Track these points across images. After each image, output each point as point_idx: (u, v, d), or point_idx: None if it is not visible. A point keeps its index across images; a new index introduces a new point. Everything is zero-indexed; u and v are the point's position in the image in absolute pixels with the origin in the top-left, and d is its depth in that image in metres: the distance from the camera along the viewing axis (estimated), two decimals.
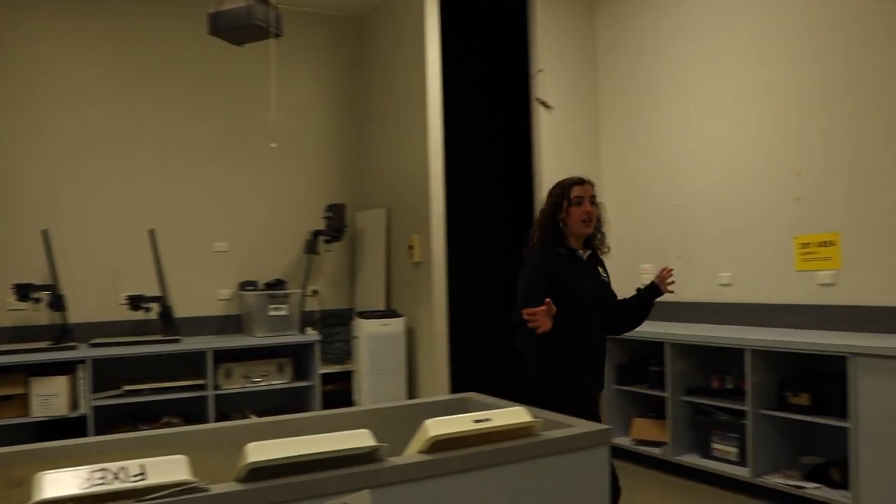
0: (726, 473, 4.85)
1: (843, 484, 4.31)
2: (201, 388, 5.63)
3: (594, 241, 3.32)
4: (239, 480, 1.75)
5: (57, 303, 5.50)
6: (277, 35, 4.52)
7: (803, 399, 4.52)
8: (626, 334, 5.43)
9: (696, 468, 5.05)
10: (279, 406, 6.09)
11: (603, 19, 6.54)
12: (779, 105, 5.21)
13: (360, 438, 1.90)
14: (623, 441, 5.57)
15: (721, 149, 5.58)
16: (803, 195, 5.04)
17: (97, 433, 5.20)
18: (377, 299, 6.46)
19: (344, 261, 6.89)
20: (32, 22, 5.81)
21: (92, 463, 1.65)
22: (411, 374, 6.09)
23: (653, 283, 3.40)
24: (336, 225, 6.24)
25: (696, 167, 5.76)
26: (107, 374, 5.52)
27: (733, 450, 4.89)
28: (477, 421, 2.09)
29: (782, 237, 5.16)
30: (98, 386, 5.46)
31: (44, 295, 5.48)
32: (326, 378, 6.14)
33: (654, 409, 5.51)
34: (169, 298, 5.87)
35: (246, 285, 6.23)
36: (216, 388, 5.67)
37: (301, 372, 6.08)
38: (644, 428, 5.46)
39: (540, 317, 2.78)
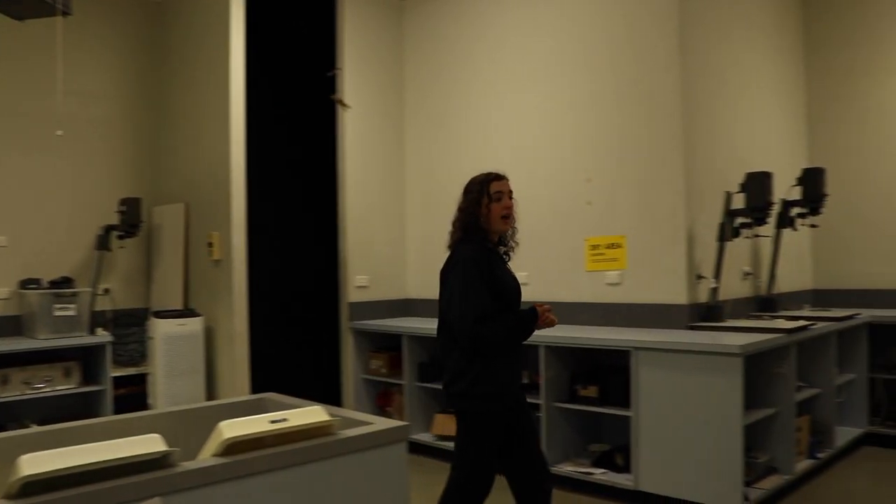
0: None
1: (626, 468, 4.63)
2: None
3: (507, 237, 3.33)
4: (10, 497, 1.62)
5: None
6: (65, 13, 4.20)
7: (592, 391, 4.80)
8: (427, 332, 5.59)
9: None
10: (66, 413, 5.68)
11: (411, 23, 6.64)
12: (574, 114, 5.50)
13: (149, 444, 1.81)
14: (424, 437, 5.67)
15: (519, 153, 5.82)
16: (594, 200, 5.36)
17: None
18: (174, 298, 6.19)
19: (139, 258, 6.55)
20: None
21: None
22: (210, 376, 5.89)
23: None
24: (130, 220, 5.91)
25: (495, 169, 5.94)
26: None
27: None
28: (273, 421, 2.06)
29: (574, 239, 5.45)
30: None
31: None
32: (119, 381, 5.82)
33: None
34: None
35: (28, 283, 5.77)
36: None
37: (91, 376, 5.72)
38: (444, 423, 5.58)
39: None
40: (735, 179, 5.16)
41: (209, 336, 5.86)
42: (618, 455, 4.77)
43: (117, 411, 5.49)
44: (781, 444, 4.64)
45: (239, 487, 1.96)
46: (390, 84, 6.59)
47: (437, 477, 5.21)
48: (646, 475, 4.41)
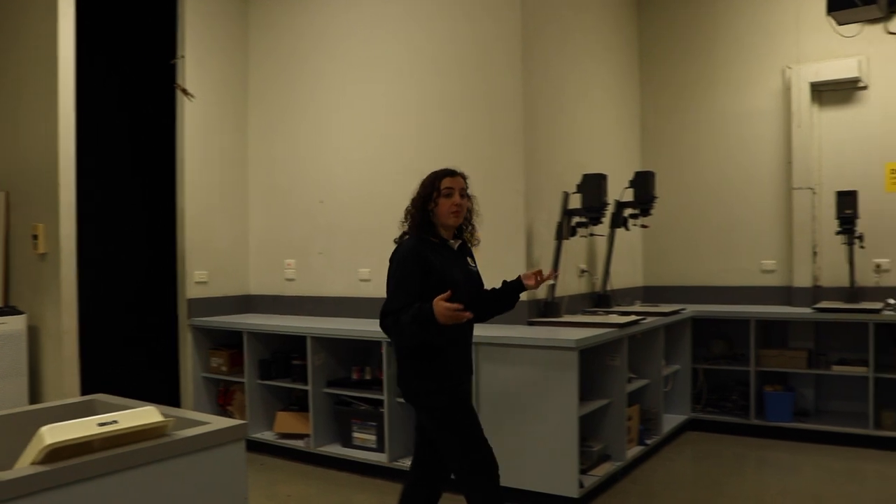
0: (366, 460, 5.06)
1: None
2: None
3: (464, 232, 3.34)
4: None
5: None
6: None
7: None
8: (268, 329, 5.50)
9: (338, 457, 5.20)
10: None
11: (256, 12, 6.46)
12: (419, 112, 5.55)
13: None
14: (267, 436, 5.56)
15: (364, 149, 5.81)
16: None
17: None
18: None
19: None
20: None
21: None
22: (35, 378, 5.51)
23: (518, 278, 3.49)
24: None
25: (340, 166, 5.94)
26: None
27: (372, 437, 5.11)
28: (101, 424, 1.95)
29: None
30: None
31: None
32: None
33: (298, 403, 5.58)
34: None
35: None
36: None
37: None
38: (287, 421, 5.50)
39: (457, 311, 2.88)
40: (573, 181, 5.36)
41: (33, 335, 5.48)
42: None
43: None
44: (614, 432, 4.86)
45: (63, 496, 1.84)
46: (234, 74, 6.40)
47: (279, 475, 5.16)
48: None
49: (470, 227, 3.43)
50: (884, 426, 5.41)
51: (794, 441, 5.65)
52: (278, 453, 5.48)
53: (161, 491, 2.07)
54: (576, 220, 5.36)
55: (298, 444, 5.39)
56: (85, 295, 5.42)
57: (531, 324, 5.03)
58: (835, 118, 6.15)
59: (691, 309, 6.14)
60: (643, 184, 5.69)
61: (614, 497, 4.59)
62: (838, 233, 5.80)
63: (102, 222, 5.85)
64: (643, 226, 5.86)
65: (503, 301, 3.52)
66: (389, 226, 5.62)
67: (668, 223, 6.62)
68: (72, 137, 5.33)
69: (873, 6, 5.52)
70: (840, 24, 5.91)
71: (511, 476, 4.36)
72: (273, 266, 6.31)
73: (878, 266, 5.91)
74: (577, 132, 5.87)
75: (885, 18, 5.86)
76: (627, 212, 5.81)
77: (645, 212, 5.73)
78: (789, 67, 6.23)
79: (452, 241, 3.34)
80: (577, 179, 5.34)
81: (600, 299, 5.93)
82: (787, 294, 6.24)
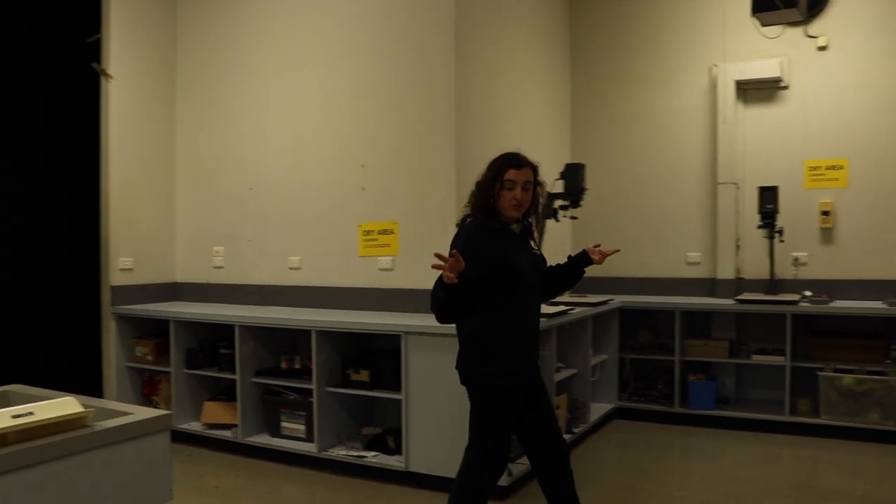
0: (294, 450, 5.03)
1: (397, 450, 4.73)
2: None
3: (527, 219, 3.34)
4: None
5: None
6: None
7: (364, 375, 4.86)
8: (195, 318, 5.42)
9: (267, 448, 5.15)
10: None
11: None
12: (352, 100, 5.51)
13: None
14: (194, 426, 5.48)
15: (294, 136, 5.75)
16: (368, 186, 5.40)
17: None
18: None
19: None
20: None
21: None
22: None
23: (584, 251, 3.44)
24: None
25: (271, 152, 5.87)
26: None
27: (301, 427, 5.08)
28: (16, 416, 1.89)
29: (348, 224, 5.47)
30: None
31: None
32: None
33: (226, 392, 5.51)
34: None
35: None
36: None
37: None
38: (215, 411, 5.43)
39: (450, 263, 2.89)
40: None
41: None
42: (389, 438, 4.86)
43: None
44: None
45: None
46: (161, 56, 6.24)
47: (206, 466, 5.08)
48: (416, 456, 4.54)
49: (532, 218, 3.38)
50: (799, 413, 5.61)
51: (716, 428, 5.81)
52: (206, 444, 5.40)
53: (82, 484, 2.02)
54: None
55: (226, 434, 5.32)
56: None
57: None
58: (758, 116, 6.32)
59: (619, 300, 6.26)
60: (574, 175, 5.74)
61: None
62: (760, 227, 5.99)
63: (17, 208, 5.59)
64: (573, 217, 5.92)
65: (570, 275, 3.50)
66: (320, 213, 5.65)
67: (598, 215, 6.71)
68: None
69: (794, 9, 5.67)
70: (764, 25, 6.06)
71: (439, 465, 4.41)
72: (201, 253, 6.20)
73: (795, 259, 6.11)
74: (509, 122, 5.91)
75: (804, 22, 6.04)
76: (557, 203, 5.85)
77: (575, 203, 5.79)
78: (716, 65, 6.38)
79: (515, 226, 3.32)
80: None
81: None
82: (711, 286, 6.40)
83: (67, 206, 5.91)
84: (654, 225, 6.71)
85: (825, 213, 6.01)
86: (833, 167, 6.03)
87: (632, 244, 6.59)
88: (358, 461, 4.79)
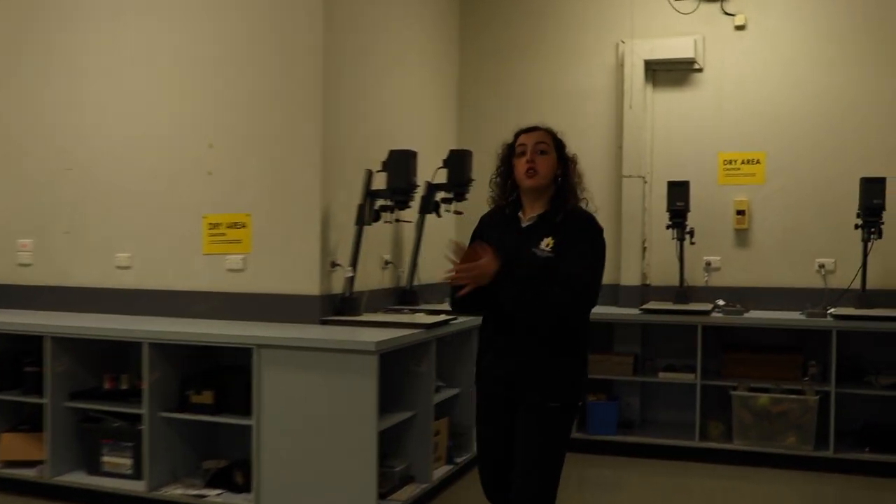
0: (118, 491, 4.84)
1: (246, 487, 4.61)
2: None
3: (558, 199, 3.21)
4: None
5: None
6: None
7: (207, 397, 4.72)
8: None
9: (82, 488, 4.93)
10: None
11: None
12: (197, 63, 5.37)
13: None
14: None
15: (124, 105, 5.56)
16: (216, 170, 5.25)
17: None
18: None
19: None
20: None
21: None
22: None
23: None
24: None
25: (93, 124, 5.66)
26: None
27: (127, 461, 4.90)
28: None
29: (191, 215, 5.31)
30: None
31: None
32: None
33: (30, 421, 5.24)
34: None
35: None
36: None
37: None
38: (15, 445, 5.17)
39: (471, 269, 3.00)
40: (379, 157, 5.33)
41: None
42: (237, 472, 4.76)
43: None
44: (419, 449, 4.92)
45: None
46: None
47: None
48: (268, 494, 4.45)
49: (566, 196, 3.25)
50: (710, 437, 5.79)
51: (618, 455, 5.94)
52: (3, 487, 5.13)
53: None
54: (380, 202, 5.33)
55: (29, 473, 5.07)
56: None
57: (324, 322, 4.99)
58: (669, 101, 6.51)
59: None
60: (458, 164, 5.74)
61: None
62: (669, 227, 6.15)
63: None
64: (457, 212, 5.91)
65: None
66: (156, 201, 5.45)
67: (485, 210, 6.72)
68: None
69: None
70: None
71: (298, 503, 4.32)
72: (1, 248, 5.88)
73: (708, 264, 6.32)
74: (386, 100, 5.87)
75: None
76: (440, 195, 5.84)
77: (459, 196, 5.79)
78: (623, 42, 6.52)
79: (530, 216, 3.24)
80: (384, 156, 5.32)
81: (406, 295, 5.94)
82: (613, 293, 6.50)
83: None
84: None
85: (740, 212, 6.24)
86: (749, 161, 6.27)
87: None
88: (198, 501, 4.65)
